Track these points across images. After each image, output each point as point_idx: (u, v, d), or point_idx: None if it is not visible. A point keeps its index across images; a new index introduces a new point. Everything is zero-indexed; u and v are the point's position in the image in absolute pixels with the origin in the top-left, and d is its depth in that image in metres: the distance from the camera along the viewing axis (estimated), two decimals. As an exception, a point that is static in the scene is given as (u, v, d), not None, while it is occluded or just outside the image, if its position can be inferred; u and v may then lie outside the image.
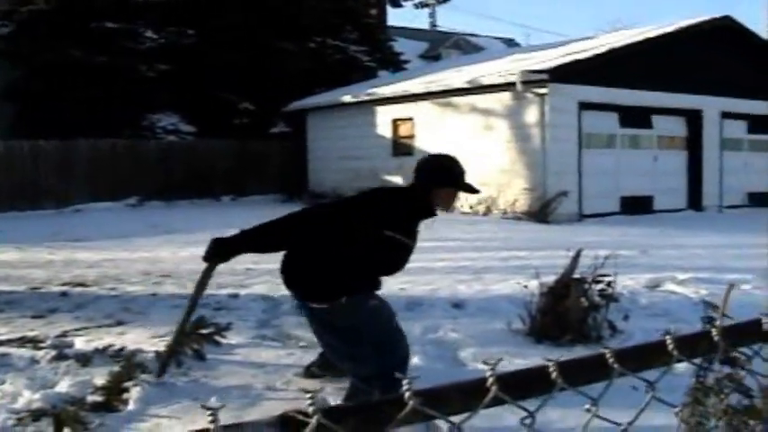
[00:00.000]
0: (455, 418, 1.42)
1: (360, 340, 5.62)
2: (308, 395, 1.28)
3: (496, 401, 1.40)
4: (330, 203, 6.48)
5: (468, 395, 1.40)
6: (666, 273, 11.44)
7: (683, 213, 24.39)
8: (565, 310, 7.61)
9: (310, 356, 7.06)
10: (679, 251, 14.65)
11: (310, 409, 1.25)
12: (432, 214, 5.94)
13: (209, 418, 1.22)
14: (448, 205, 6.08)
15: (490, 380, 1.39)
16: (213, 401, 5.83)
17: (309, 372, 6.66)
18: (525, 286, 8.92)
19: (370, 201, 5.93)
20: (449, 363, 7.04)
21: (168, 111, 32.19)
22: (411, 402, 1.31)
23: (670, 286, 10.61)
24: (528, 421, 1.45)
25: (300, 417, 1.26)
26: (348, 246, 5.61)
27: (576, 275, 7.87)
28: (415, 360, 6.86)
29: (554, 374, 1.45)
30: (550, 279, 8.00)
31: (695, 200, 25.35)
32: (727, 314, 5.05)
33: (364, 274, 5.71)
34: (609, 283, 7.91)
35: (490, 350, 7.15)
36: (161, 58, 31.24)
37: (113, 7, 29.87)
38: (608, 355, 1.54)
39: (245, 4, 31.91)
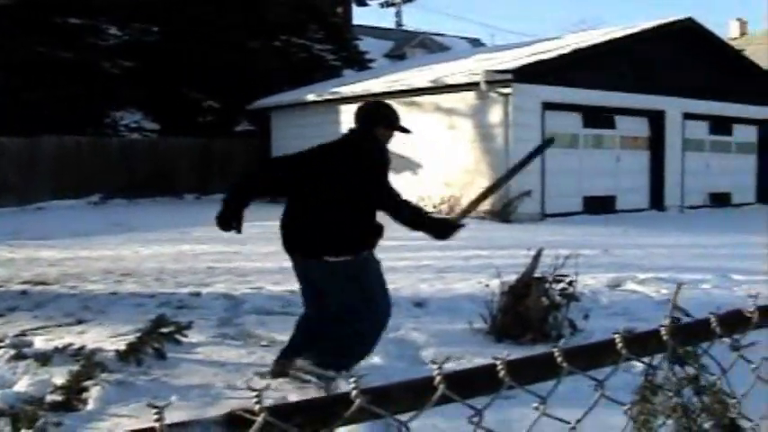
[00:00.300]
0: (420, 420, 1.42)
1: (360, 288, 6.21)
2: (255, 393, 1.27)
3: (444, 400, 1.40)
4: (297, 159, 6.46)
5: (415, 394, 1.40)
6: (628, 272, 11.52)
7: (645, 213, 24.54)
8: (525, 309, 7.64)
9: (272, 355, 7.05)
10: (640, 251, 14.74)
11: (257, 407, 1.25)
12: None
13: (155, 417, 1.22)
14: (385, 143, 6.65)
15: (437, 378, 1.39)
16: (173, 400, 5.82)
17: (279, 369, 6.55)
18: (487, 285, 8.95)
19: (344, 152, 6.46)
20: (410, 362, 7.04)
21: (132, 108, 32.06)
22: (358, 400, 1.31)
23: (631, 286, 10.69)
24: (476, 419, 1.46)
25: (248, 415, 1.26)
26: (360, 196, 6.22)
27: (538, 275, 7.91)
28: (376, 359, 6.87)
29: (502, 373, 1.46)
30: (512, 278, 8.03)
31: (657, 200, 25.53)
32: (689, 313, 5.09)
33: (374, 221, 6.33)
34: (570, 283, 7.96)
35: (451, 349, 7.15)
36: (125, 55, 31.06)
37: (77, 3, 29.64)
38: (557, 354, 1.55)
39: (209, 1, 31.78)
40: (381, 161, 6.44)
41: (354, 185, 6.22)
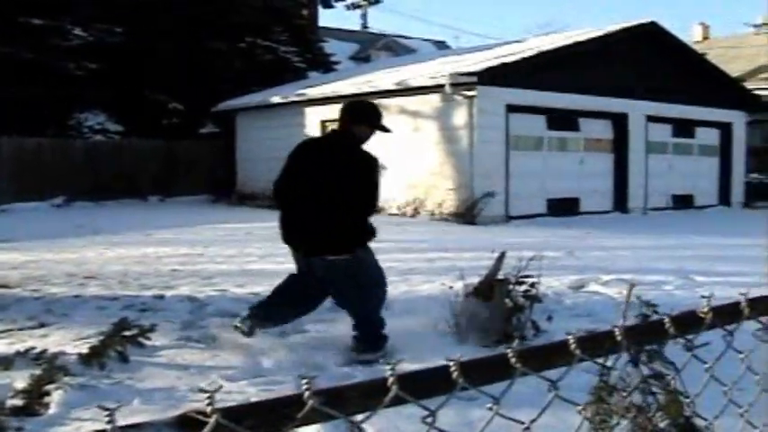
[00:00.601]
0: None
1: (365, 280, 7.21)
2: (207, 395, 1.28)
3: (398, 401, 1.41)
4: (294, 164, 7.27)
5: (368, 395, 1.41)
6: (591, 274, 11.59)
7: (609, 215, 24.68)
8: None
9: (235, 358, 7.06)
10: (604, 252, 14.82)
11: (209, 409, 1.25)
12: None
13: (106, 419, 1.22)
14: (364, 141, 7.27)
15: (390, 379, 1.40)
16: (135, 403, 5.81)
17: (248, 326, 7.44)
18: (451, 287, 8.96)
19: (339, 154, 7.09)
20: (373, 363, 7.05)
21: (96, 110, 31.80)
22: (310, 402, 1.31)
23: (594, 287, 10.74)
24: (430, 420, 1.47)
25: (200, 417, 1.26)
26: (361, 191, 6.99)
27: (501, 276, 7.94)
28: (339, 358, 6.90)
29: (455, 374, 1.47)
30: (476, 280, 8.06)
31: (621, 202, 25.68)
32: (647, 313, 5.13)
33: (367, 222, 7.14)
34: (533, 284, 7.99)
35: (415, 351, 7.17)
36: (89, 56, 30.81)
37: (41, 3, 29.40)
38: (510, 355, 1.56)
39: (174, 2, 31.64)
40: (375, 166, 7.09)
41: (351, 189, 6.94)
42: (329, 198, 6.91)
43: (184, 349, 7.58)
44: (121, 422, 1.26)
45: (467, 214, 20.73)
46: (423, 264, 12.92)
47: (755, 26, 43.52)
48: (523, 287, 7.95)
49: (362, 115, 7.30)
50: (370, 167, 7.04)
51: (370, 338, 7.33)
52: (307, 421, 1.33)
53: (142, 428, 1.26)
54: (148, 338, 7.40)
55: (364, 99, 7.76)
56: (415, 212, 22.14)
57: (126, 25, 31.67)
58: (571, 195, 24.45)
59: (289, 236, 7.27)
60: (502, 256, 8.13)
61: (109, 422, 1.21)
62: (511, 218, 21.80)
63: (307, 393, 1.32)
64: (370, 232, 7.15)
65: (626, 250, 15.33)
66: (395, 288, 10.56)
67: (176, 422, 1.27)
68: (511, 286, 7.85)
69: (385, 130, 7.37)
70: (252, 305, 7.85)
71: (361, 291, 7.24)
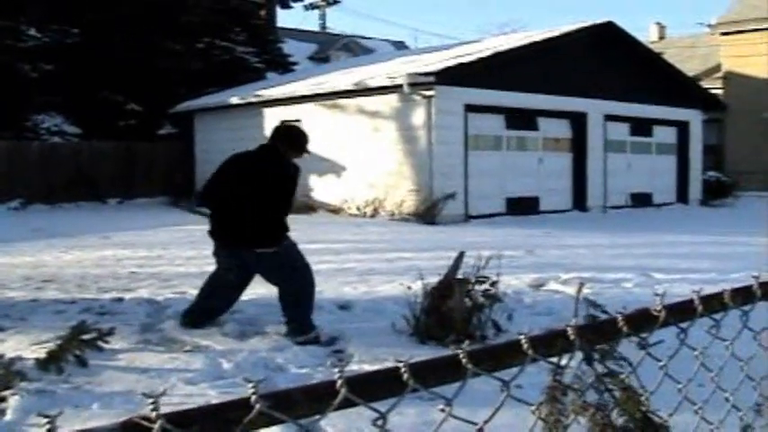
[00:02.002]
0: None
1: (291, 267, 8.09)
2: (151, 400, 1.26)
3: (347, 403, 1.39)
4: (224, 172, 8.35)
5: (316, 398, 1.39)
6: (550, 272, 11.63)
7: (568, 214, 24.81)
8: (448, 310, 7.67)
9: (195, 360, 7.02)
10: (563, 251, 14.89)
11: (153, 414, 1.23)
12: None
13: (47, 427, 1.19)
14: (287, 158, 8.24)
15: (339, 382, 1.38)
16: (94, 408, 5.76)
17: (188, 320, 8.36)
18: (410, 287, 8.95)
19: (262, 161, 8.14)
20: (333, 365, 7.03)
21: (52, 111, 31.50)
22: (257, 405, 1.29)
23: (554, 286, 10.79)
24: (380, 422, 1.45)
25: (144, 422, 1.23)
26: (278, 197, 7.97)
27: (461, 276, 7.95)
28: (300, 360, 6.89)
29: (405, 376, 1.46)
30: (435, 280, 8.06)
31: (580, 200, 25.83)
32: (606, 310, 5.15)
33: (285, 221, 8.09)
34: (493, 283, 8.00)
35: (375, 351, 7.17)
36: (45, 57, 30.58)
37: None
38: (461, 356, 1.56)
39: (130, 2, 31.42)
40: (293, 175, 8.12)
41: (272, 193, 7.96)
42: (253, 201, 7.86)
43: (144, 352, 7.53)
44: (77, 426, 1.24)
45: (426, 214, 20.76)
46: (382, 264, 12.91)
47: (710, 26, 43.88)
48: (483, 286, 7.97)
49: (287, 139, 8.33)
50: (289, 177, 8.07)
51: (298, 320, 7.97)
52: (254, 425, 1.31)
53: (83, 436, 1.23)
54: (107, 342, 7.32)
55: (294, 125, 9.48)
56: (375, 213, 22.13)
57: (81, 26, 31.44)
58: (530, 194, 24.55)
59: (221, 233, 8.25)
60: (461, 256, 8.15)
61: (49, 429, 1.19)
62: (470, 217, 21.85)
63: (253, 397, 1.30)
64: (285, 229, 8.08)
65: (585, 248, 15.41)
66: (354, 289, 10.59)
67: (120, 428, 1.24)
68: (471, 286, 7.86)
69: (306, 153, 8.45)
70: (184, 311, 8.57)
71: (294, 272, 8.08)
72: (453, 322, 7.65)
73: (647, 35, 53.45)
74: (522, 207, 23.88)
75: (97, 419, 5.27)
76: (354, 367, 6.94)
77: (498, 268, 8.10)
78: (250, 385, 1.31)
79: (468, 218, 21.78)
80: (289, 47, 43.01)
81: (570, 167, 25.94)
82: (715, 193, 30.66)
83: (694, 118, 30.06)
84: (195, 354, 7.25)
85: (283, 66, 39.20)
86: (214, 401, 5.68)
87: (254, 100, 27.04)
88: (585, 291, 9.88)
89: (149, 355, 7.43)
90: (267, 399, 1.31)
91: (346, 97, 23.45)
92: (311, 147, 8.57)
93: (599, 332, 1.92)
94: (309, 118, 24.42)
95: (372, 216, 22.05)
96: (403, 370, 1.45)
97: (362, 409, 1.47)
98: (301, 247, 8.20)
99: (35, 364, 6.66)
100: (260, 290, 8.77)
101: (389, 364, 1.51)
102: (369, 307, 9.38)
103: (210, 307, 8.49)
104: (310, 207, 22.84)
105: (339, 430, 4.82)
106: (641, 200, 28.11)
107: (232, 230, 8.09)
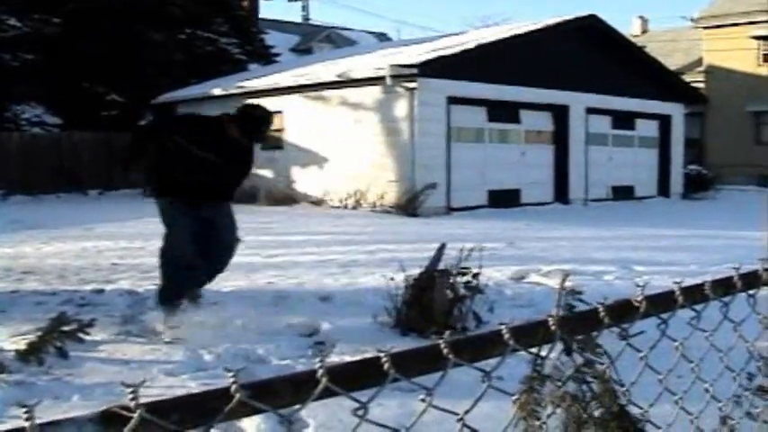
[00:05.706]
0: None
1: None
2: (130, 389, 1.25)
3: (328, 393, 1.39)
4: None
5: (297, 387, 1.38)
6: (532, 265, 11.64)
7: (549, 206, 24.86)
8: (429, 302, 7.67)
9: (176, 352, 7.00)
10: (544, 243, 14.91)
11: (133, 404, 1.22)
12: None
13: (25, 416, 1.18)
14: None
15: (320, 371, 1.38)
16: (75, 399, 5.73)
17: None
18: (392, 279, 8.94)
19: (217, 127, 8.38)
20: (315, 357, 7.02)
21: (33, 102, 31.36)
22: (238, 395, 1.29)
23: (535, 278, 10.80)
24: (361, 412, 1.45)
25: (123, 412, 1.22)
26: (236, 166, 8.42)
27: (442, 267, 7.94)
28: (281, 351, 6.88)
29: (386, 366, 1.45)
30: (417, 272, 8.06)
31: (562, 193, 25.89)
32: (584, 300, 5.16)
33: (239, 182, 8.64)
34: (474, 275, 8.00)
35: (356, 343, 7.17)
36: (25, 47, 30.41)
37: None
38: (442, 346, 1.55)
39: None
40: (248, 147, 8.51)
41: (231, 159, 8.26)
42: (215, 165, 8.11)
43: (125, 344, 7.50)
44: (50, 418, 1.23)
45: (408, 206, 20.76)
46: (363, 256, 12.90)
47: (692, 20, 44.04)
48: (465, 278, 7.96)
49: (244, 119, 8.36)
50: (248, 149, 8.49)
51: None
52: (234, 415, 1.30)
53: (63, 426, 1.22)
54: (88, 333, 7.28)
55: (260, 107, 9.01)
56: (357, 204, 22.13)
57: (62, 15, 31.26)
58: (512, 187, 24.58)
59: (190, 192, 8.25)
60: (442, 248, 8.15)
61: (28, 419, 1.18)
62: (452, 209, 21.87)
63: (234, 386, 1.29)
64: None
65: (567, 241, 15.44)
66: (335, 280, 10.57)
67: (99, 418, 1.23)
68: (452, 277, 7.86)
69: (261, 140, 8.90)
70: (156, 295, 8.64)
71: (233, 222, 8.52)
72: (435, 314, 7.64)
73: (629, 29, 53.58)
74: (504, 199, 23.90)
75: (78, 410, 5.23)
76: (335, 358, 6.94)
77: (480, 260, 8.09)
78: (230, 375, 1.30)
79: (449, 210, 21.80)
80: (271, 38, 42.91)
81: (552, 160, 25.99)
82: (696, 186, 30.75)
83: (676, 111, 30.15)
84: (176, 345, 7.22)
85: (266, 57, 39.11)
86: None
87: (236, 91, 26.93)
88: (567, 283, 9.94)
89: (130, 347, 7.40)
90: (247, 388, 1.30)
91: (329, 89, 23.42)
92: (293, 138, 8.60)
93: (580, 322, 1.93)
94: (292, 109, 24.40)
95: (354, 208, 22.04)
96: (384, 360, 1.45)
97: (343, 400, 1.46)
98: (283, 238, 8.01)
99: (15, 355, 6.62)
100: (240, 282, 8.75)
101: (370, 355, 1.51)
102: (350, 299, 9.37)
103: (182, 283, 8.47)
104: (292, 198, 22.83)
105: (320, 422, 4.83)
106: (623, 193, 28.18)
107: (200, 186, 8.27)
